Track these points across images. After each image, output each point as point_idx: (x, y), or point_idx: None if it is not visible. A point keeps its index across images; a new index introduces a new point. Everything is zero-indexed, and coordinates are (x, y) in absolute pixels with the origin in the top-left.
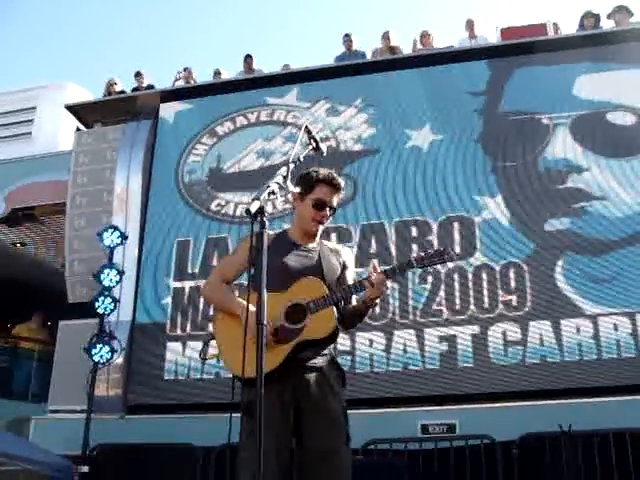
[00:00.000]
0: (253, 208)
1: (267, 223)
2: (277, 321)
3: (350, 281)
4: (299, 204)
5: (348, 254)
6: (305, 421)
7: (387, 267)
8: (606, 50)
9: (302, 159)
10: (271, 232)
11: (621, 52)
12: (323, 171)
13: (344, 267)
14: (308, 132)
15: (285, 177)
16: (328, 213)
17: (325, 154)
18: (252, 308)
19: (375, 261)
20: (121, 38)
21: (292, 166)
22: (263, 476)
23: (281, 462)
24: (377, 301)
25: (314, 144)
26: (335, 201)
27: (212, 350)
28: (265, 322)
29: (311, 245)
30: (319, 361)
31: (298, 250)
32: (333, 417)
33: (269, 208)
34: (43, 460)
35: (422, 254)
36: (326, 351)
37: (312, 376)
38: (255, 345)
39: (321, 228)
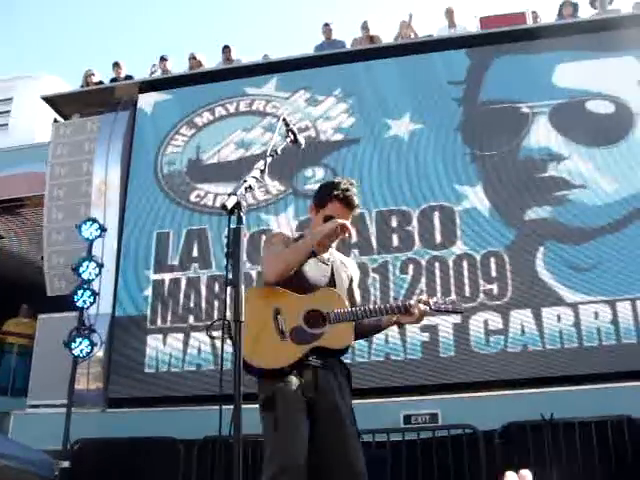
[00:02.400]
0: (229, 204)
1: (244, 218)
2: (295, 321)
3: (356, 295)
4: (314, 216)
5: (355, 268)
6: (316, 417)
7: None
8: (585, 39)
9: (280, 151)
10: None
11: (600, 41)
12: (341, 186)
13: (351, 281)
14: (286, 124)
15: (262, 171)
16: None
17: (303, 146)
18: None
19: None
20: (98, 28)
21: (269, 159)
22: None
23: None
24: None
25: (292, 136)
26: (349, 218)
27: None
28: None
29: (325, 256)
30: (329, 361)
31: (315, 259)
32: (341, 414)
33: (249, 199)
34: (22, 456)
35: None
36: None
37: (323, 373)
38: (276, 333)
39: (335, 242)
